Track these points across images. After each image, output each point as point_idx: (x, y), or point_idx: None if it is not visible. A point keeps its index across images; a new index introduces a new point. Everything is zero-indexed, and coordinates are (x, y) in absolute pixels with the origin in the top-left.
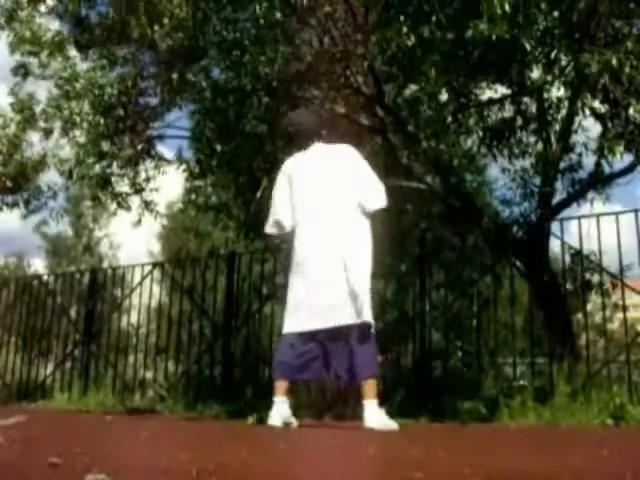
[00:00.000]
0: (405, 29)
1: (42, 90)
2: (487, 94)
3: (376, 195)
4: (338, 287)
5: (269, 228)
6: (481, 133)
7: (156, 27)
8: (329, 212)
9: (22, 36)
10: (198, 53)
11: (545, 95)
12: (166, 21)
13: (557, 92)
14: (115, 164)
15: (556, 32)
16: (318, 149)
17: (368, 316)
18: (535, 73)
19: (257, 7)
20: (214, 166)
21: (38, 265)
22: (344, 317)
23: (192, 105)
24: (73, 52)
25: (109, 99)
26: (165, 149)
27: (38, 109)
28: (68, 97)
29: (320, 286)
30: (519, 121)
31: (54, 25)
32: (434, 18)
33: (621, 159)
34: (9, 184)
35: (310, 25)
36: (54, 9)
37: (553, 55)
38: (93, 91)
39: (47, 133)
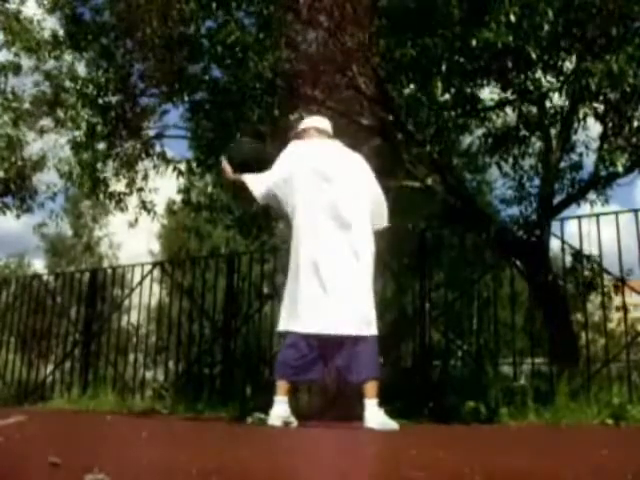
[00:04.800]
0: (409, 41)
1: (26, 87)
2: (489, 96)
3: (383, 214)
4: (347, 294)
5: (260, 193)
6: (484, 139)
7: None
8: (347, 215)
9: (16, 32)
10: (199, 50)
11: (548, 104)
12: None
13: (560, 98)
14: (112, 164)
15: (560, 40)
16: (331, 145)
17: (374, 329)
18: (537, 75)
19: (261, 6)
20: (213, 165)
21: (39, 265)
22: (351, 328)
23: (192, 104)
24: (67, 56)
25: (105, 95)
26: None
27: (27, 105)
28: (63, 94)
29: (330, 291)
30: (522, 130)
31: (48, 23)
32: (440, 31)
33: (623, 168)
34: (13, 187)
35: (313, 26)
36: (43, 4)
37: (558, 63)
38: (91, 91)
39: (41, 132)
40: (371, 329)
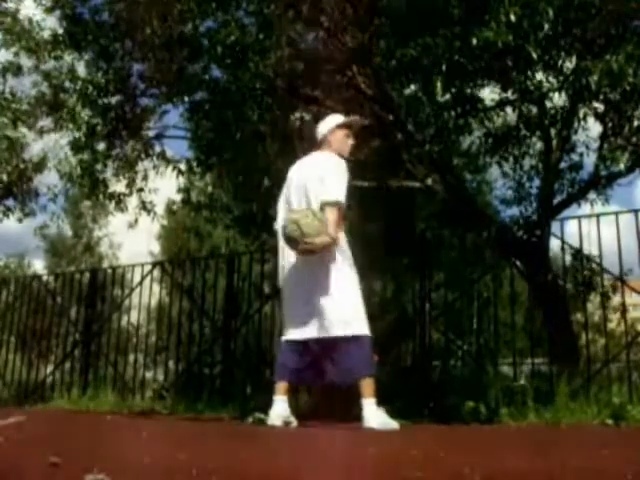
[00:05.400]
0: (409, 41)
1: (24, 87)
2: (489, 96)
3: (324, 190)
4: (327, 299)
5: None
6: (484, 139)
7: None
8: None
9: (16, 32)
10: (199, 50)
11: (548, 104)
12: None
13: (560, 98)
14: (112, 164)
15: (560, 39)
16: (309, 157)
17: (360, 328)
18: (538, 77)
19: (261, 6)
20: (213, 165)
21: (39, 265)
22: (335, 330)
23: (192, 104)
24: (67, 56)
25: (105, 95)
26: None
27: (25, 106)
28: (62, 94)
29: (307, 298)
30: (523, 130)
31: (48, 23)
32: (440, 31)
33: (625, 167)
34: (15, 189)
35: (314, 26)
36: (42, 4)
37: (558, 63)
38: (91, 92)
39: (41, 132)
40: (356, 329)
